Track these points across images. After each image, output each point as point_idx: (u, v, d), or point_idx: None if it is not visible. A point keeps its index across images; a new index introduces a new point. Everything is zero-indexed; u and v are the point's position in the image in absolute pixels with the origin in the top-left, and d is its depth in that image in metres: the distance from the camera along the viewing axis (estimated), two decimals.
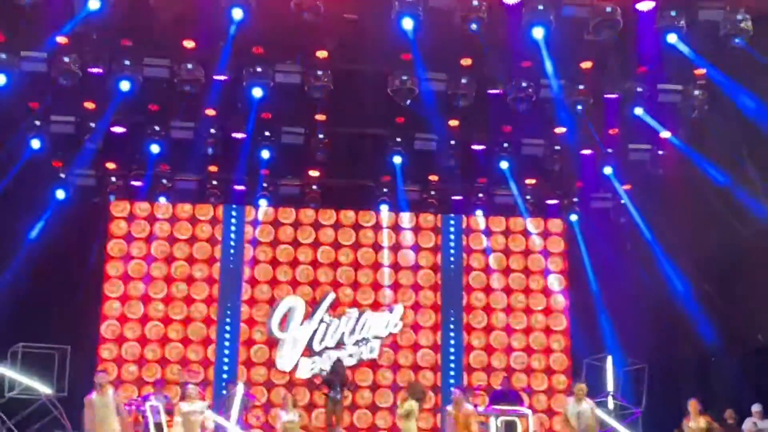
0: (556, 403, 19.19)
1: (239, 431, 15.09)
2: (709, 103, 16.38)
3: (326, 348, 19.08)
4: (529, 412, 16.13)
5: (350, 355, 19.10)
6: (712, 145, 16.86)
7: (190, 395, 13.89)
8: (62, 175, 18.19)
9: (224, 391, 17.69)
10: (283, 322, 19.10)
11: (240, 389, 16.10)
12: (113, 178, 18.65)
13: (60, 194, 18.23)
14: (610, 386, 17.56)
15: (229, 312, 19.09)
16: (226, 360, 18.81)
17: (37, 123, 17.11)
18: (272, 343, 19.07)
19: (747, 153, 16.33)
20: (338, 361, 16.92)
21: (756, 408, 15.95)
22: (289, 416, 14.67)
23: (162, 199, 19.10)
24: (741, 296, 17.33)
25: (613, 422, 16.97)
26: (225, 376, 18.59)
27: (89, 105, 16.99)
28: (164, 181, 18.77)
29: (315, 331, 19.12)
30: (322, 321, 19.20)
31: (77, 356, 16.63)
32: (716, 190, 16.85)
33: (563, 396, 18.12)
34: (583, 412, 14.55)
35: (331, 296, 19.38)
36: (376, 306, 19.52)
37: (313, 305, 19.28)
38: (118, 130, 17.40)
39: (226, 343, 18.90)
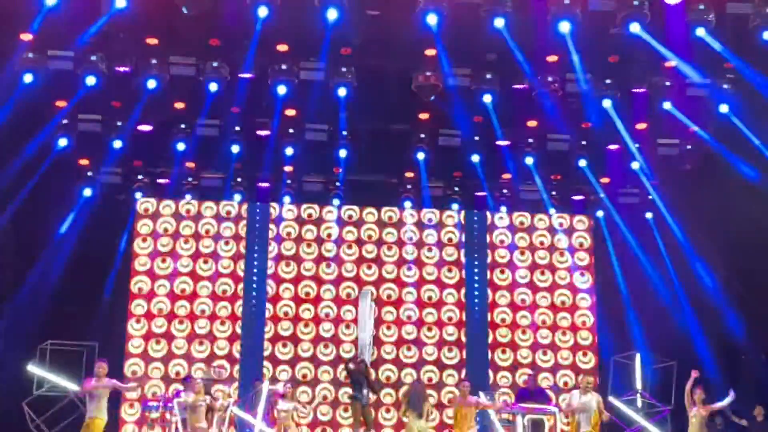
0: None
1: (264, 427, 15.08)
2: (738, 97, 16.18)
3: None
4: (556, 410, 16.01)
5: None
6: (741, 140, 16.65)
7: (198, 388, 14.36)
8: (89, 174, 18.30)
9: (249, 391, 17.69)
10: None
11: (265, 386, 16.08)
12: (139, 176, 18.77)
13: (87, 192, 18.35)
14: (638, 384, 17.43)
15: (254, 309, 19.11)
16: (251, 357, 18.83)
17: (65, 122, 17.22)
18: (296, 339, 19.04)
19: None
20: (362, 361, 16.12)
21: None
22: (285, 406, 15.05)
23: (187, 197, 19.16)
24: None
25: (641, 420, 16.85)
26: (251, 372, 18.60)
27: (116, 104, 17.07)
28: (190, 178, 18.85)
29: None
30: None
31: (105, 353, 16.67)
32: (745, 186, 16.66)
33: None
34: (587, 403, 14.44)
35: (369, 292, 19.17)
36: (399, 303, 19.42)
37: (334, 302, 19.20)
38: (144, 128, 17.48)
39: (251, 340, 18.92)
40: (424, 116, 17.91)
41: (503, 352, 19.43)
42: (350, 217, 19.83)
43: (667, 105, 16.76)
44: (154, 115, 17.34)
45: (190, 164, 18.60)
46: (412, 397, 14.77)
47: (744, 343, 18.16)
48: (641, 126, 17.67)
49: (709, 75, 16.20)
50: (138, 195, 18.91)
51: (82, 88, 15.95)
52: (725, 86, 16.21)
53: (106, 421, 14.57)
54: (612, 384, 17.51)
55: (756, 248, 16.84)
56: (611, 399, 17.22)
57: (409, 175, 19.41)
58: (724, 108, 16.51)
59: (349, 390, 15.13)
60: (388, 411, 18.73)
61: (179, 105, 17.24)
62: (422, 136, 18.40)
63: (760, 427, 16.25)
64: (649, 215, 19.45)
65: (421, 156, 18.57)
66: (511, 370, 19.24)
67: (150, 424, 16.03)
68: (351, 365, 15.13)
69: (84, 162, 18.32)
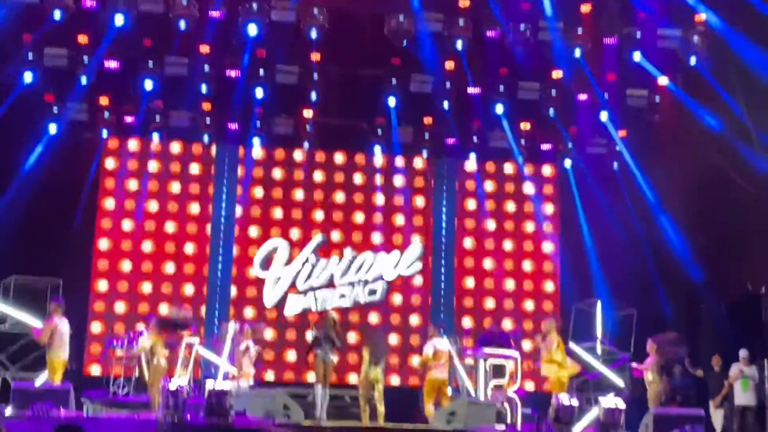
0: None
1: (229, 367, 15.20)
2: (708, 49, 16.26)
3: (312, 288, 19.15)
4: (517, 355, 16.27)
5: (342, 296, 19.20)
6: (709, 92, 16.76)
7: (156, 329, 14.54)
8: (55, 109, 18.05)
9: (216, 329, 17.80)
10: (267, 262, 19.13)
11: (231, 327, 16.18)
12: (106, 114, 18.51)
13: (52, 128, 18.13)
14: (598, 331, 17.72)
15: (221, 250, 19.12)
16: (217, 298, 18.89)
17: (30, 56, 16.93)
18: (264, 282, 19.14)
19: (744, 102, 16.25)
20: (327, 316, 15.78)
21: (743, 354, 16.16)
22: (241, 345, 15.27)
23: (155, 136, 18.99)
24: (731, 244, 17.43)
25: (600, 367, 17.17)
26: (217, 313, 18.69)
27: (83, 39, 16.81)
28: (157, 117, 18.64)
29: (299, 272, 19.16)
30: (306, 261, 19.23)
31: (69, 290, 16.68)
32: (712, 139, 16.82)
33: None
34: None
35: (319, 237, 19.39)
36: (365, 248, 19.51)
37: (302, 246, 19.31)
38: (111, 65, 17.25)
39: (218, 282, 18.97)
40: (395, 61, 17.82)
41: (468, 297, 19.64)
42: (319, 160, 19.79)
43: (637, 56, 16.81)
44: (122, 52, 17.11)
45: (158, 103, 18.38)
46: (376, 345, 14.94)
47: (704, 293, 18.48)
48: (611, 76, 17.73)
49: (680, 27, 16.26)
50: (104, 133, 18.69)
51: (48, 22, 15.67)
52: (695, 38, 16.26)
53: (66, 360, 14.68)
54: (573, 331, 17.80)
55: (718, 200, 17.06)
56: (572, 345, 17.54)
57: (380, 120, 19.36)
58: (692, 60, 16.60)
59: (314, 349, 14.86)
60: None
61: (147, 42, 17.01)
62: (393, 81, 18.32)
63: (717, 377, 16.63)
64: (615, 166, 19.59)
65: (392, 101, 18.51)
66: (475, 315, 19.46)
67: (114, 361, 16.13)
68: (315, 332, 14.88)
69: (50, 98, 18.05)
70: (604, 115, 18.61)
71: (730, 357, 16.36)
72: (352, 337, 18.60)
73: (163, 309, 18.25)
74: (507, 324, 19.31)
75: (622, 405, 13.88)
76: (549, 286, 19.87)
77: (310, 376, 17.05)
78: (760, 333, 17.28)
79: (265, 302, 18.98)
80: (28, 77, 17.11)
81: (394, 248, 19.57)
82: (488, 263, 19.83)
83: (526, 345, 18.91)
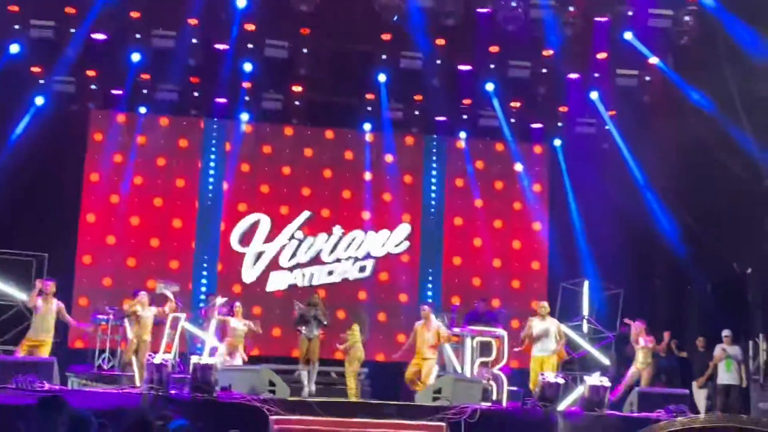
0: None
1: (215, 342, 15.16)
2: (699, 30, 16.18)
3: (299, 264, 19.10)
4: (504, 333, 16.30)
5: (330, 273, 19.16)
6: (700, 73, 16.71)
7: (143, 301, 14.64)
8: (41, 81, 17.87)
9: (202, 304, 17.76)
10: (246, 238, 19.06)
11: (219, 301, 16.14)
12: (93, 86, 18.33)
13: (39, 101, 17.96)
14: (585, 310, 17.76)
15: (208, 225, 19.05)
16: (204, 273, 18.84)
17: (17, 27, 16.73)
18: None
19: (734, 83, 16.20)
20: (313, 294, 16.16)
21: (726, 333, 16.23)
22: (238, 325, 15.07)
23: (142, 109, 18.85)
24: (719, 225, 17.44)
25: (586, 345, 17.23)
26: (204, 288, 18.65)
27: (70, 10, 16.61)
28: (145, 91, 18.48)
29: (283, 247, 19.11)
30: (293, 237, 19.18)
31: (55, 264, 16.59)
32: (702, 119, 16.78)
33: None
34: (546, 330, 14.75)
35: (306, 214, 19.33)
36: (353, 225, 19.47)
37: (288, 221, 19.23)
38: (98, 37, 17.06)
39: (205, 256, 18.91)
40: (386, 37, 17.69)
41: (456, 275, 19.64)
42: (308, 136, 19.68)
43: (628, 35, 16.74)
44: (109, 25, 16.91)
45: (145, 76, 18.22)
46: (364, 323, 15.08)
47: (691, 273, 18.52)
48: (602, 55, 17.64)
49: (671, 6, 16.17)
50: (91, 105, 18.53)
51: None
52: (686, 18, 16.18)
53: (51, 343, 14.56)
54: (560, 309, 17.84)
55: (707, 181, 17.05)
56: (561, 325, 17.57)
57: (370, 96, 19.24)
58: (684, 40, 16.51)
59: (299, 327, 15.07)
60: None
61: (135, 14, 16.82)
62: (384, 57, 18.19)
63: (701, 358, 16.70)
64: (605, 145, 19.55)
65: (382, 78, 18.40)
66: (463, 293, 19.46)
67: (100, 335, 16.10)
68: (301, 309, 15.08)
69: (36, 69, 17.86)
70: (594, 95, 18.55)
71: (715, 337, 16.43)
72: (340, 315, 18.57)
73: (150, 283, 18.20)
74: (495, 302, 19.32)
75: (607, 383, 13.93)
76: (537, 265, 19.88)
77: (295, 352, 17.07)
78: (745, 313, 17.35)
79: (243, 278, 18.91)
80: (14, 49, 16.91)
81: (383, 226, 19.52)
82: (477, 241, 19.81)
83: (514, 324, 19.00)
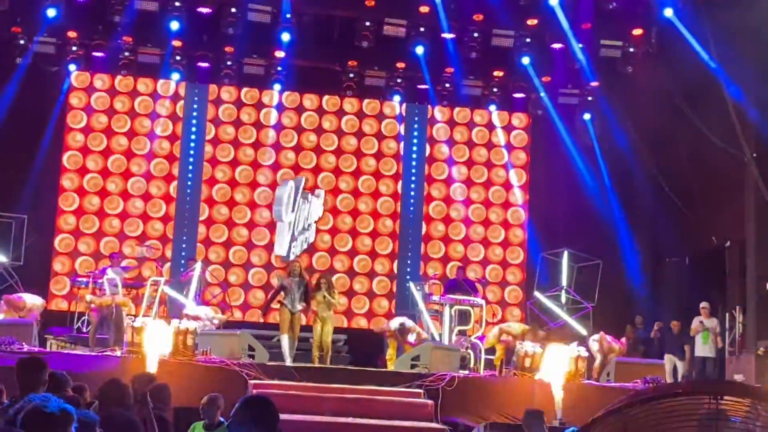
0: (510, 295, 19.57)
1: (195, 307, 15.16)
2: (683, 2, 16.19)
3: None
4: (482, 302, 16.40)
5: (305, 240, 19.22)
6: (683, 45, 16.72)
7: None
8: (21, 42, 17.66)
9: (182, 269, 17.74)
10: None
11: (198, 267, 16.15)
12: (74, 48, 18.14)
13: (19, 61, 17.75)
14: (564, 280, 17.87)
15: (189, 191, 18.99)
16: (184, 238, 18.81)
17: None
18: (232, 223, 19.06)
19: (717, 55, 16.23)
20: (295, 264, 15.11)
21: (703, 305, 16.35)
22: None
23: (124, 72, 18.68)
24: (699, 199, 17.56)
25: (564, 315, 17.35)
26: (183, 253, 18.63)
27: None
28: (126, 53, 18.31)
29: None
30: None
31: (34, 226, 16.52)
32: (684, 93, 16.83)
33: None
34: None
35: (302, 179, 19.30)
36: (336, 191, 19.50)
37: (271, 187, 19.20)
38: None
39: (185, 221, 18.86)
40: (370, 4, 17.59)
41: (436, 244, 19.70)
42: (290, 102, 19.61)
43: (612, 6, 16.73)
44: None
45: (128, 38, 18.03)
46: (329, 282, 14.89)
47: (669, 246, 18.66)
48: (586, 26, 17.63)
49: None
50: (72, 67, 18.34)
51: None
52: None
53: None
54: (538, 279, 17.95)
55: (688, 155, 17.14)
56: (536, 294, 17.71)
57: (352, 63, 19.15)
58: (668, 12, 16.51)
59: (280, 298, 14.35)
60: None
61: None
62: (367, 24, 18.08)
63: (673, 339, 16.57)
64: (587, 116, 19.59)
65: (364, 45, 18.29)
66: (442, 262, 19.54)
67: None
68: (284, 282, 14.33)
69: (16, 30, 17.64)
70: (577, 65, 18.55)
71: (692, 310, 16.56)
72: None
73: (128, 248, 18.21)
74: (476, 272, 19.43)
75: (584, 353, 14.06)
76: (517, 235, 19.96)
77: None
78: (722, 286, 17.52)
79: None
80: None
81: (363, 193, 19.52)
82: (457, 211, 19.87)
83: (493, 293, 19.18)
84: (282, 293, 14.18)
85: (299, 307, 14.09)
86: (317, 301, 14.22)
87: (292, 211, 19.14)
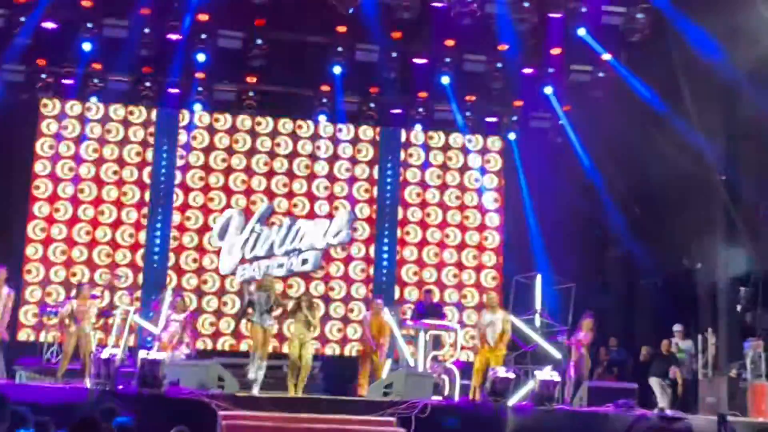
0: None
1: (164, 336, 15.02)
2: (651, 27, 16.33)
3: (256, 257, 19.03)
4: (458, 327, 16.36)
5: (279, 266, 19.08)
6: (652, 70, 16.86)
7: (83, 294, 14.17)
8: None
9: (152, 296, 17.58)
10: (223, 232, 18.96)
11: (168, 294, 16.00)
12: (43, 75, 18.04)
13: None
14: (537, 304, 17.85)
15: (159, 217, 18.86)
16: (155, 266, 18.66)
17: None
18: (202, 250, 18.95)
19: (685, 81, 16.37)
20: (266, 279, 15.09)
21: (677, 328, 16.40)
22: (176, 317, 15.13)
23: (93, 99, 18.60)
24: (670, 221, 17.63)
25: (538, 338, 17.31)
26: (153, 281, 18.46)
27: None
28: (96, 80, 18.24)
29: (246, 240, 19.04)
30: (252, 230, 19.10)
31: (2, 256, 16.30)
32: (653, 117, 16.94)
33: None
34: (494, 321, 14.82)
35: (264, 206, 19.26)
36: (311, 216, 19.42)
37: (248, 214, 19.15)
38: (49, 25, 16.81)
39: (156, 249, 18.73)
40: (341, 29, 17.63)
41: (410, 268, 19.65)
42: (262, 128, 19.56)
43: (581, 31, 16.86)
44: (60, 13, 16.68)
45: (97, 65, 17.96)
46: (310, 302, 14.85)
47: (642, 270, 18.71)
48: (556, 51, 17.74)
49: (624, 3, 16.32)
50: (41, 95, 18.23)
51: None
52: (639, 15, 16.31)
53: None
54: (513, 303, 17.92)
55: (658, 178, 17.22)
56: (511, 317, 17.65)
57: (325, 88, 19.16)
58: (636, 38, 16.66)
59: (249, 314, 14.11)
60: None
61: (86, 3, 16.59)
62: (339, 49, 18.12)
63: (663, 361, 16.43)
64: (558, 140, 19.67)
65: (337, 70, 18.32)
66: (417, 286, 19.48)
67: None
68: (252, 294, 14.07)
69: None
70: (548, 89, 18.65)
71: (665, 332, 16.59)
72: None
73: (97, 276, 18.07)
74: (453, 296, 19.41)
75: (557, 377, 14.05)
76: (492, 259, 19.95)
77: (244, 346, 16.99)
78: (694, 308, 17.57)
79: (220, 270, 18.84)
80: None
81: (320, 216, 19.46)
82: (431, 235, 19.84)
83: (471, 317, 19.13)
84: (250, 308, 13.97)
85: (269, 321, 13.92)
86: (298, 321, 14.18)
87: (239, 234, 18.98)
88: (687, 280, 17.77)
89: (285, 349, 17.93)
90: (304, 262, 19.24)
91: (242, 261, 18.92)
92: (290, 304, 14.69)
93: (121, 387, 12.46)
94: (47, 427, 7.94)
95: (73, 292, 14.91)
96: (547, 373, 14.06)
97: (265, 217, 19.22)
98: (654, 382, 15.67)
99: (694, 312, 17.44)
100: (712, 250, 17.14)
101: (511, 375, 13.87)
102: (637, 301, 19.07)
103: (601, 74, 17.94)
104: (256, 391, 13.50)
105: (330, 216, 19.46)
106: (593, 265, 19.10)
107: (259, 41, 17.59)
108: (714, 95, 15.82)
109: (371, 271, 19.52)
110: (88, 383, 12.92)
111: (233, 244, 18.96)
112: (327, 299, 19.14)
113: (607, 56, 17.49)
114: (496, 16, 16.64)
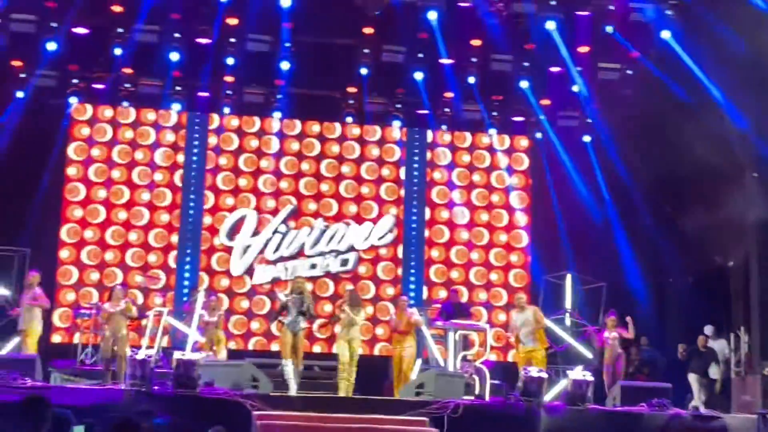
0: None
1: (198, 337, 15.15)
2: (681, 25, 16.26)
3: (282, 258, 19.11)
4: (487, 326, 16.36)
5: (312, 266, 19.16)
6: (682, 67, 16.78)
7: (117, 296, 14.44)
8: (22, 76, 17.76)
9: (185, 298, 17.74)
10: (234, 231, 19.05)
11: (201, 296, 16.11)
12: (75, 80, 18.26)
13: (20, 95, 17.85)
14: (567, 303, 17.83)
15: (191, 219, 19.02)
16: (187, 267, 18.81)
17: None
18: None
19: (716, 78, 16.29)
20: (298, 281, 14.83)
21: (708, 332, 16.25)
22: (210, 318, 15.26)
23: (125, 104, 18.79)
24: (701, 218, 17.55)
25: (569, 338, 17.30)
26: (186, 282, 18.63)
27: (51, 4, 16.53)
28: (127, 85, 18.43)
29: (269, 240, 19.10)
30: (276, 231, 19.18)
31: (37, 259, 16.52)
32: (683, 113, 16.86)
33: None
34: (525, 320, 14.84)
35: (290, 207, 19.34)
36: (336, 218, 19.49)
37: (273, 215, 19.25)
38: (80, 31, 17.00)
39: (188, 250, 18.88)
40: (368, 31, 17.69)
41: (438, 268, 19.68)
42: (291, 130, 19.67)
43: (609, 29, 16.82)
44: (91, 18, 16.86)
45: (128, 70, 18.14)
46: (352, 299, 14.90)
47: (672, 267, 18.63)
48: (583, 49, 17.70)
49: (653, 1, 16.26)
50: (73, 100, 18.45)
51: None
52: (668, 12, 16.24)
53: (40, 332, 14.65)
54: (542, 303, 17.89)
55: (688, 175, 17.14)
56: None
57: (352, 90, 19.24)
58: (665, 34, 16.59)
59: (282, 316, 14.17)
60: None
61: (117, 8, 16.75)
62: (366, 51, 18.18)
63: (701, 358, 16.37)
64: (586, 138, 19.64)
65: (364, 71, 18.39)
66: (445, 286, 19.50)
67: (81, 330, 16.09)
68: (283, 298, 14.24)
69: (17, 64, 17.76)
70: (576, 88, 18.62)
71: (696, 330, 16.51)
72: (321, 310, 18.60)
73: (132, 278, 18.25)
74: (481, 295, 19.42)
75: (590, 377, 14.01)
76: (520, 259, 19.94)
77: (275, 346, 17.06)
78: (727, 306, 17.48)
79: (231, 271, 18.93)
80: None
81: (365, 219, 19.54)
82: (459, 235, 19.86)
83: (499, 317, 19.12)
84: (283, 312, 14.06)
85: (302, 326, 13.96)
86: (342, 321, 14.29)
87: (254, 235, 19.02)
88: (719, 278, 17.67)
89: (315, 349, 18.25)
90: (344, 262, 19.30)
91: (262, 261, 18.95)
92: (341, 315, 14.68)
93: (156, 388, 12.57)
94: (93, 430, 8.07)
95: (107, 295, 15.08)
96: (579, 373, 14.03)
97: (289, 217, 19.29)
98: (693, 378, 15.61)
99: (726, 310, 17.34)
100: (744, 248, 17.04)
101: (544, 375, 13.85)
102: (668, 299, 18.97)
103: (629, 72, 17.87)
104: (293, 392, 13.57)
105: (359, 217, 19.52)
106: (623, 265, 19.00)
107: (287, 44, 17.68)
108: (746, 90, 15.68)
109: (399, 271, 19.56)
110: (123, 385, 13.04)
111: (248, 245, 19.02)
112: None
113: (635, 54, 17.41)
114: (523, 15, 16.62)
